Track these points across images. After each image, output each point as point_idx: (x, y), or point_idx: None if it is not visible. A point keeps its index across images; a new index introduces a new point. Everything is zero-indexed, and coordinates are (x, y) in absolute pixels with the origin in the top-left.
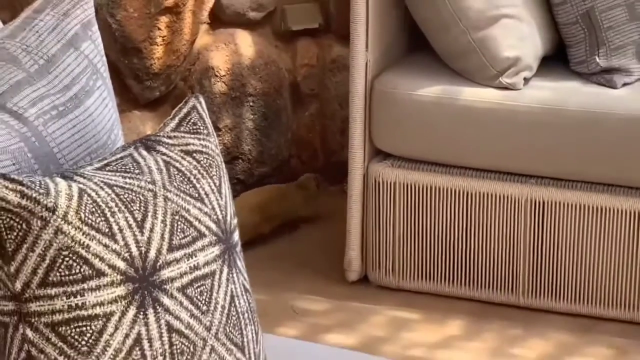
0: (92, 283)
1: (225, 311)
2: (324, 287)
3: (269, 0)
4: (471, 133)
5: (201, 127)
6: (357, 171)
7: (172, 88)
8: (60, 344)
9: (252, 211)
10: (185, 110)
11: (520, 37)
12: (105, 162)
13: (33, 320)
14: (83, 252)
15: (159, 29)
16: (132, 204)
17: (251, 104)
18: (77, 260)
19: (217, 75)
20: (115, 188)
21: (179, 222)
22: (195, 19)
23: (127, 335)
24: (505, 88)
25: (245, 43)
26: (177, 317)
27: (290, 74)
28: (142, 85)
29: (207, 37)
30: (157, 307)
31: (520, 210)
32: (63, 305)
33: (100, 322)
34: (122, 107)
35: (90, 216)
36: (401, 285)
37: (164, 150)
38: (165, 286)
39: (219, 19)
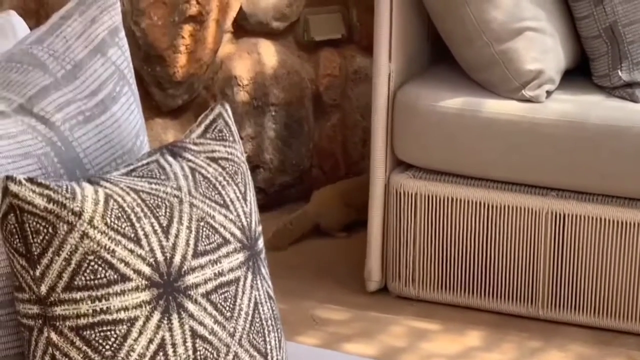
0: (117, 288)
1: (249, 318)
2: (344, 297)
3: (292, 11)
4: (493, 145)
5: (227, 135)
6: (378, 182)
7: (194, 96)
8: (84, 347)
9: (341, 201)
10: (211, 117)
11: (543, 50)
12: (132, 167)
13: (58, 324)
14: (108, 256)
15: (183, 37)
16: (157, 210)
17: (273, 113)
18: (103, 265)
19: (239, 85)
20: (141, 193)
21: (204, 229)
22: (218, 28)
23: (151, 340)
24: (528, 101)
25: (268, 52)
26: (201, 323)
27: (312, 84)
28: (165, 93)
29: (230, 46)
30: (182, 312)
31: (541, 223)
32: (88, 310)
33: (124, 326)
34: (145, 114)
35: (116, 221)
36: (421, 296)
37: (189, 156)
38: (189, 292)
39: (242, 28)
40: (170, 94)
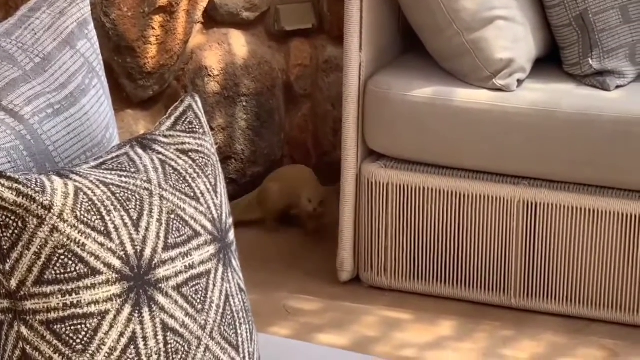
0: (88, 281)
1: (220, 310)
2: (316, 287)
3: (263, 1)
4: (464, 134)
5: (197, 127)
6: (349, 172)
7: (165, 87)
8: (55, 342)
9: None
10: (181, 109)
11: (514, 39)
12: (101, 160)
13: (28, 318)
14: (78, 250)
15: (153, 28)
16: (128, 203)
17: (244, 103)
18: (73, 259)
19: (210, 75)
20: (111, 186)
21: (175, 221)
22: (188, 18)
23: (122, 334)
24: (499, 90)
25: (239, 43)
26: (172, 316)
27: (283, 74)
28: (135, 85)
29: (200, 36)
30: (152, 305)
31: (513, 212)
32: (58, 304)
33: (95, 320)
34: (115, 106)
35: (86, 214)
36: (393, 286)
37: (159, 149)
38: (160, 285)
39: (213, 19)
40: (141, 85)
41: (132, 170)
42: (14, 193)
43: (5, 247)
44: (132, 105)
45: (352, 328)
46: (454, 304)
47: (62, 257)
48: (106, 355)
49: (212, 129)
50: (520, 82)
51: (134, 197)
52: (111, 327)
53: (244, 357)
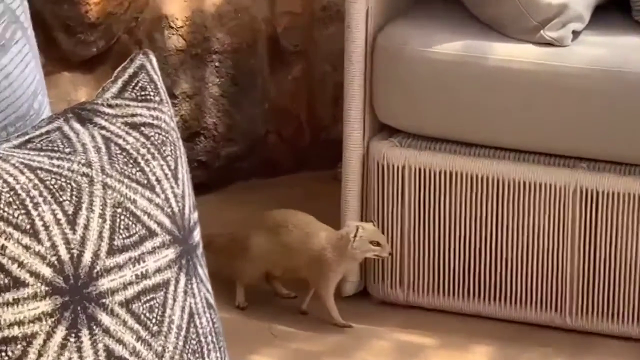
0: (9, 296)
1: (183, 333)
2: (312, 303)
3: None
4: (503, 103)
5: (152, 93)
6: (354, 152)
7: (113, 43)
8: None
9: None
10: (130, 71)
11: None
12: (27, 137)
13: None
14: None
15: None
16: (61, 193)
17: (217, 64)
18: None
19: (172, 27)
20: (39, 172)
21: (123, 217)
22: None
23: None
24: (549, 44)
25: None
26: (119, 341)
27: (267, 25)
28: (75, 40)
29: None
30: (94, 327)
31: (567, 204)
32: None
33: (19, 346)
34: (48, 67)
35: (6, 209)
36: (411, 301)
37: (103, 122)
38: (104, 300)
39: None
40: (82, 40)
41: (67, 150)
42: None
43: None
44: (69, 66)
45: (358, 356)
46: (490, 325)
47: None
48: None
49: (173, 96)
50: (576, 34)
51: (69, 186)
52: (40, 355)
53: None
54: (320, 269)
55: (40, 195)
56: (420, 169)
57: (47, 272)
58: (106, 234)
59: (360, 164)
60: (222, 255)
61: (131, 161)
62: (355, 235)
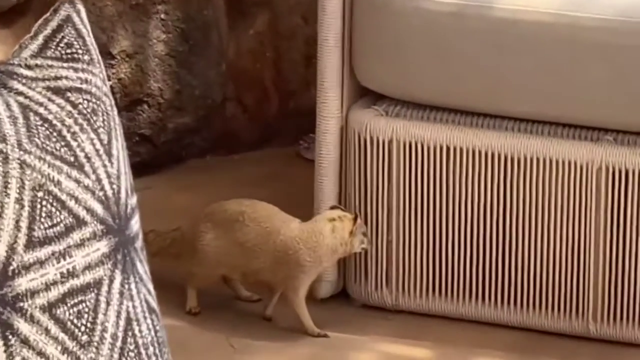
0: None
1: (118, 343)
2: (277, 307)
3: None
4: (511, 62)
5: (79, 51)
6: (330, 123)
7: None
8: None
9: None
10: (54, 25)
11: None
12: None
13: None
14: None
15: None
16: None
17: (162, 16)
18: None
19: None
20: None
21: (44, 202)
22: None
23: None
24: None
25: None
26: (41, 354)
27: None
28: None
29: None
30: (9, 337)
31: (590, 185)
32: None
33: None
34: None
35: None
36: (401, 305)
37: (20, 87)
38: (21, 304)
39: None
40: None
41: None
42: None
43: None
44: None
45: None
46: (498, 333)
47: None
48: None
49: (110, 56)
50: None
51: None
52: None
53: None
54: (290, 271)
55: None
56: (410, 143)
57: None
58: (24, 223)
59: (337, 137)
60: (167, 256)
61: (54, 134)
62: (352, 230)
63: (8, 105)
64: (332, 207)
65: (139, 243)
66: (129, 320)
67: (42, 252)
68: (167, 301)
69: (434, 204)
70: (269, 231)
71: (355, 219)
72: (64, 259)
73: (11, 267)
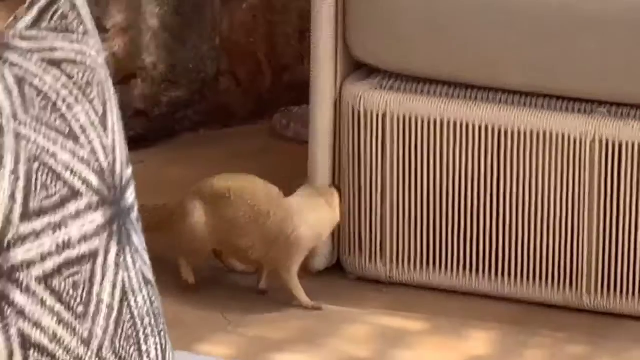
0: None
1: (114, 314)
2: (271, 280)
3: None
4: (506, 34)
5: (75, 23)
6: (324, 96)
7: None
8: None
9: None
10: None
11: None
12: None
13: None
14: None
15: None
16: None
17: None
18: None
19: None
20: None
21: (40, 174)
22: None
23: None
24: None
25: None
26: (36, 324)
27: None
28: None
29: None
30: (5, 308)
31: (584, 158)
32: None
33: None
34: None
35: None
36: (395, 277)
37: (14, 59)
38: (17, 275)
39: None
40: None
41: None
42: None
43: None
44: None
45: (331, 344)
46: (492, 305)
47: None
48: None
49: (103, 30)
50: None
51: None
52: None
53: None
54: (284, 251)
55: None
56: (404, 117)
57: None
58: (20, 194)
59: (331, 111)
60: (156, 232)
61: (50, 105)
62: (340, 201)
63: (3, 77)
64: (297, 181)
65: (134, 214)
66: (124, 291)
67: (38, 224)
68: (160, 275)
69: (427, 176)
70: (258, 211)
71: (338, 190)
72: (60, 230)
73: (7, 239)
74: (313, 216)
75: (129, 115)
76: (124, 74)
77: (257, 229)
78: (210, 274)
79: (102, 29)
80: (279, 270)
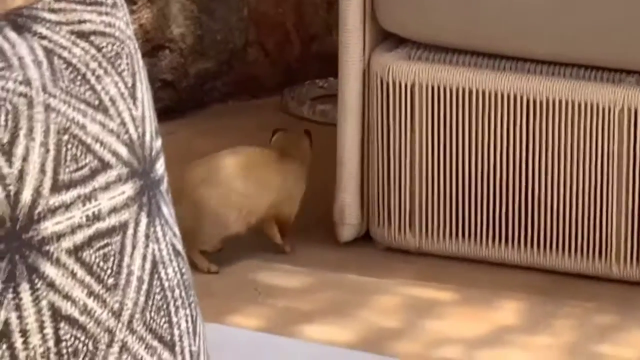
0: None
1: (144, 286)
2: (303, 251)
3: None
4: (533, 3)
5: None
6: (352, 67)
7: None
8: None
9: None
10: None
11: None
12: None
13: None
14: None
15: None
16: None
17: None
18: None
19: None
20: None
21: (70, 145)
22: None
23: None
24: None
25: None
26: (67, 297)
27: None
28: None
29: None
30: (36, 280)
31: (612, 127)
32: None
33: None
34: None
35: None
36: (424, 248)
37: (44, 31)
38: (47, 247)
39: None
40: None
41: (1, 65)
42: None
43: None
44: None
45: (361, 315)
46: (521, 276)
47: None
48: None
49: (131, 1)
50: None
51: (3, 109)
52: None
53: (183, 359)
54: (291, 204)
55: None
56: (433, 87)
57: None
58: (49, 166)
59: (360, 81)
60: None
61: (79, 77)
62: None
63: (32, 49)
64: (276, 130)
65: (164, 186)
66: (154, 263)
67: (68, 196)
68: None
69: (456, 147)
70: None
71: (307, 132)
72: (90, 202)
73: (37, 211)
74: (303, 170)
75: (157, 86)
76: (152, 46)
77: (266, 201)
78: (239, 244)
79: (130, 0)
80: (286, 220)
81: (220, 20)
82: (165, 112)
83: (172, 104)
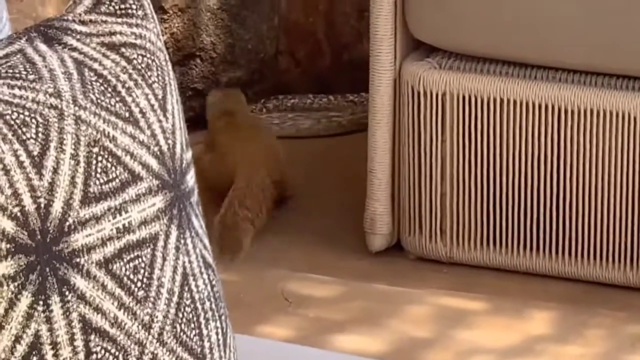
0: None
1: (174, 298)
2: (333, 261)
3: None
4: (569, 10)
5: (134, 6)
6: (383, 76)
7: None
8: None
9: None
10: None
11: None
12: None
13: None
14: None
15: None
16: (24, 130)
17: None
18: None
19: None
20: None
21: (100, 158)
22: None
23: (18, 339)
24: None
25: None
26: (97, 309)
27: None
28: None
29: None
30: (66, 292)
31: None
32: None
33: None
34: None
35: None
36: (455, 257)
37: (74, 43)
38: (78, 259)
39: None
40: None
41: (31, 77)
42: None
43: None
44: None
45: (391, 325)
46: (552, 285)
47: None
48: None
49: (162, 11)
50: None
51: (33, 121)
52: (1, 328)
53: None
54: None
55: (0, 132)
56: (464, 96)
57: (8, 226)
58: (80, 179)
59: (391, 90)
60: None
61: (109, 90)
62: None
63: (63, 61)
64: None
65: (194, 198)
66: (185, 276)
67: (98, 208)
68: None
69: (487, 156)
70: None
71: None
72: (120, 215)
73: (67, 223)
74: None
75: (188, 95)
76: (183, 55)
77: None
78: (270, 254)
79: (160, 9)
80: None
81: (251, 29)
82: (195, 122)
83: (202, 114)
